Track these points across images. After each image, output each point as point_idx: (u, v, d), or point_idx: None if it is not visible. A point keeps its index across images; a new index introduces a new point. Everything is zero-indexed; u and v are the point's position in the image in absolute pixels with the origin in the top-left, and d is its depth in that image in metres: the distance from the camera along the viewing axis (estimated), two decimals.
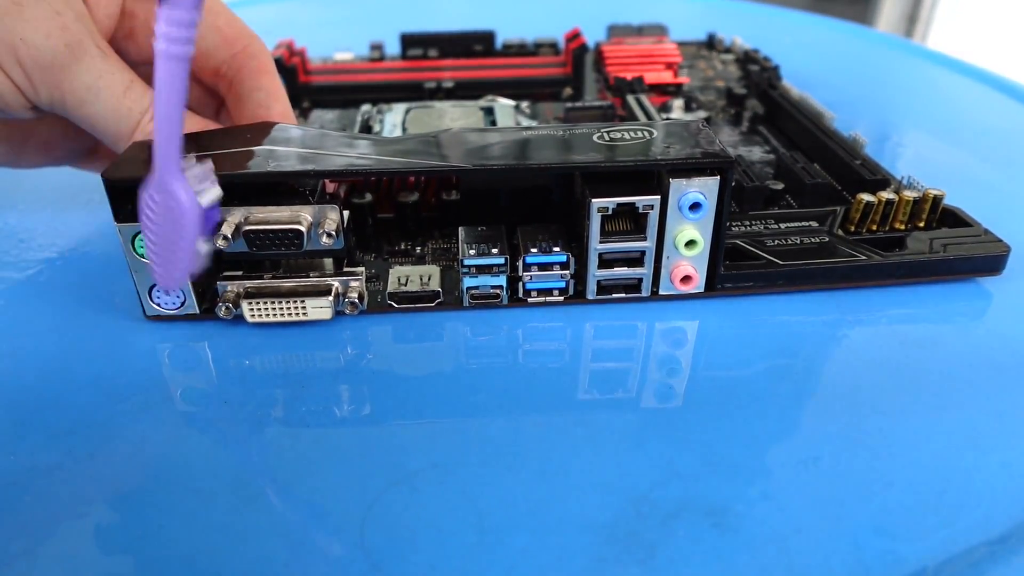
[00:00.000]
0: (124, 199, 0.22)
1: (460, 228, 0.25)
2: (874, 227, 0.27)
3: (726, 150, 0.23)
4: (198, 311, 0.24)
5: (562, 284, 0.25)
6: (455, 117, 0.34)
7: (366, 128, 0.34)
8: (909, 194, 0.26)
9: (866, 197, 0.26)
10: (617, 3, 0.60)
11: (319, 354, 0.23)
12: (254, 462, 0.19)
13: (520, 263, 0.24)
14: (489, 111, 0.35)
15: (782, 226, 0.27)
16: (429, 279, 0.25)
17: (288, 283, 0.24)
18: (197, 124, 0.25)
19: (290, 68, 0.39)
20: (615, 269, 0.24)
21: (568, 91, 0.40)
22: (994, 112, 0.43)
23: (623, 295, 0.25)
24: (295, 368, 0.23)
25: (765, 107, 0.39)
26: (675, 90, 0.40)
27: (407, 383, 0.22)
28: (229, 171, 0.22)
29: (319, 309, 0.24)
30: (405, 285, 0.25)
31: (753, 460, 0.19)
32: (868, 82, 0.47)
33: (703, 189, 0.23)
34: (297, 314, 0.24)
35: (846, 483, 0.18)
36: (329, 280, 0.24)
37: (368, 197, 0.28)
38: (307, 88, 0.40)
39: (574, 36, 0.42)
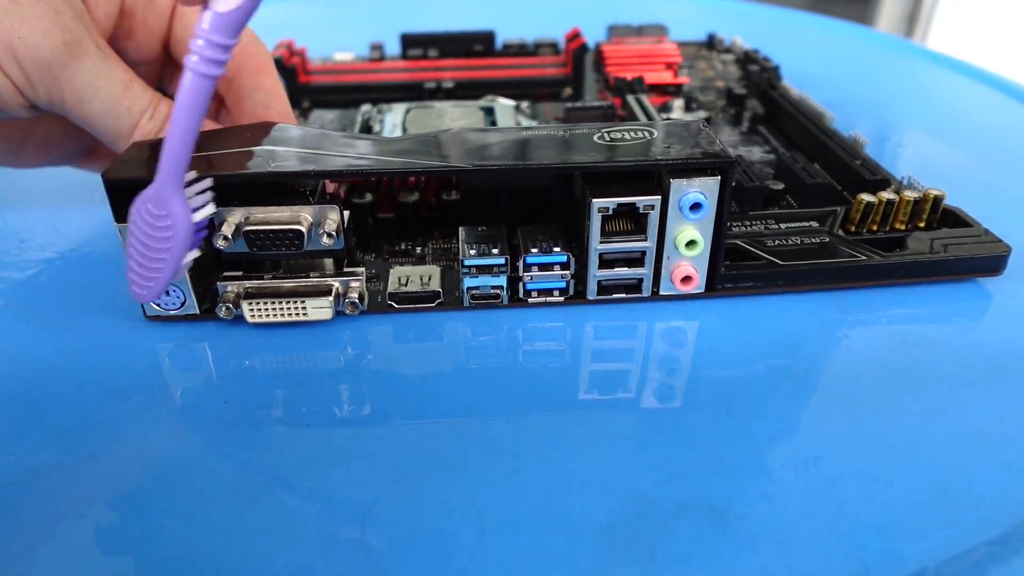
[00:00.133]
0: (124, 199, 0.22)
1: (460, 228, 0.25)
2: (874, 227, 0.27)
3: (726, 150, 0.23)
4: (198, 311, 0.24)
5: (562, 284, 0.25)
6: (455, 117, 0.34)
7: (366, 128, 0.34)
8: (909, 194, 0.26)
9: (866, 197, 0.26)
10: (617, 3, 0.60)
11: (319, 354, 0.23)
12: (254, 462, 0.19)
13: (520, 263, 0.24)
14: (489, 111, 0.35)
15: (782, 226, 0.27)
16: (429, 279, 0.25)
17: (288, 283, 0.24)
18: None
19: (290, 68, 0.39)
20: (615, 269, 0.24)
21: (568, 91, 0.40)
22: (994, 112, 0.43)
23: (623, 295, 0.25)
24: (295, 368, 0.23)
25: (765, 107, 0.39)
26: (675, 90, 0.40)
27: (407, 383, 0.22)
28: (229, 171, 0.22)
29: (319, 309, 0.24)
30: (405, 285, 0.25)
31: (753, 460, 0.19)
32: (868, 82, 0.47)
33: (703, 189, 0.23)
34: (297, 314, 0.24)
35: (846, 483, 0.18)
36: (329, 280, 0.24)
37: (368, 197, 0.28)
38: (307, 88, 0.40)
39: (574, 36, 0.42)
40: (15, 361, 0.23)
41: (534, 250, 0.24)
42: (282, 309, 0.24)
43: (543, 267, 0.24)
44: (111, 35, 0.25)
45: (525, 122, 0.35)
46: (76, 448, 0.20)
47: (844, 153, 0.31)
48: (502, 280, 0.24)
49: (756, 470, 0.19)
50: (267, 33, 0.29)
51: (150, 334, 0.24)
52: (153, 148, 0.23)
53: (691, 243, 0.24)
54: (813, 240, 0.26)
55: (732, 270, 0.25)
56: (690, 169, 0.23)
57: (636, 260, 0.24)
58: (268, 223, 0.23)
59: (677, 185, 0.23)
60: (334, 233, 0.23)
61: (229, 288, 0.24)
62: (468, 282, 0.24)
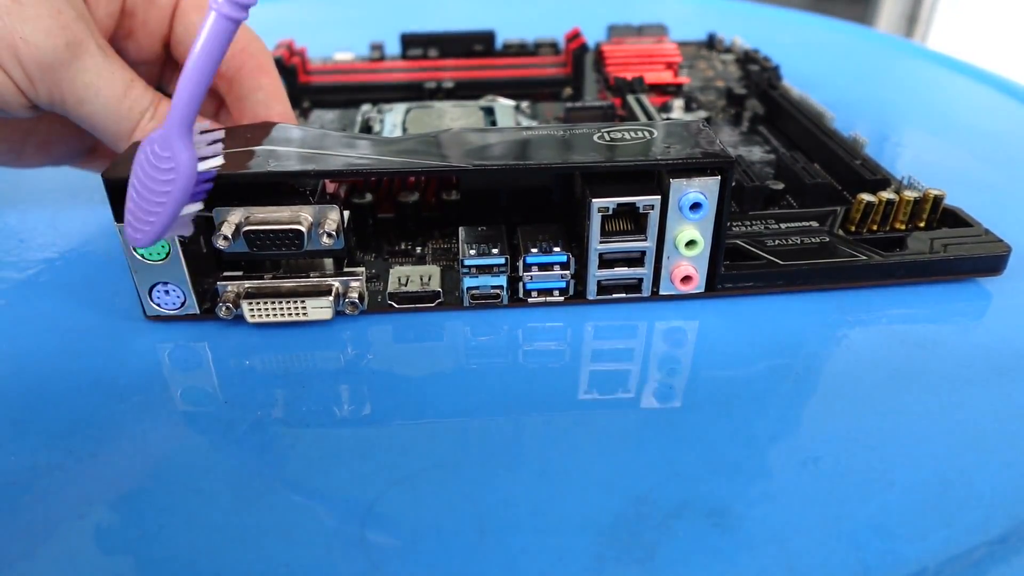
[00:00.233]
0: (124, 199, 0.22)
1: (460, 228, 0.25)
2: (874, 227, 0.27)
3: (726, 150, 0.23)
4: (198, 311, 0.24)
5: (562, 284, 0.25)
6: (455, 117, 0.34)
7: (366, 128, 0.34)
8: (909, 194, 0.26)
9: (866, 197, 0.26)
10: (617, 3, 0.60)
11: (319, 354, 0.23)
12: (254, 462, 0.19)
13: (520, 263, 0.24)
14: (489, 111, 0.35)
15: (782, 226, 0.27)
16: (429, 279, 0.25)
17: (288, 283, 0.24)
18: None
19: (290, 68, 0.39)
20: (615, 269, 0.24)
21: (568, 91, 0.40)
22: (994, 112, 0.43)
23: (623, 295, 0.25)
24: (295, 368, 0.23)
25: (765, 107, 0.39)
26: (675, 90, 0.40)
27: (407, 383, 0.22)
28: (229, 171, 0.22)
29: (319, 309, 0.24)
30: (405, 285, 0.25)
31: (753, 460, 0.19)
32: (868, 82, 0.47)
33: (703, 189, 0.23)
34: (297, 314, 0.24)
35: (846, 483, 0.18)
36: (329, 280, 0.24)
37: (368, 197, 0.28)
38: (307, 88, 0.40)
39: (574, 36, 0.42)
40: (15, 361, 0.23)
41: (534, 250, 0.24)
42: (282, 309, 0.24)
43: (543, 267, 0.24)
44: (112, 35, 0.25)
45: (525, 122, 0.35)
46: (76, 448, 0.20)
47: (844, 153, 0.31)
48: (502, 280, 0.24)
49: (756, 470, 0.19)
50: (267, 33, 0.29)
51: (150, 334, 0.24)
52: None
53: (691, 243, 0.24)
54: (813, 240, 0.26)
55: (732, 270, 0.25)
56: (690, 169, 0.23)
57: (636, 260, 0.24)
58: (268, 223, 0.23)
59: (677, 185, 0.23)
60: (334, 233, 0.23)
61: (229, 288, 0.24)
62: (468, 282, 0.24)
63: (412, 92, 0.39)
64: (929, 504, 0.18)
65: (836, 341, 0.24)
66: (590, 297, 0.25)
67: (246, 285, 0.24)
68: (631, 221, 0.24)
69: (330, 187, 0.25)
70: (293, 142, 0.24)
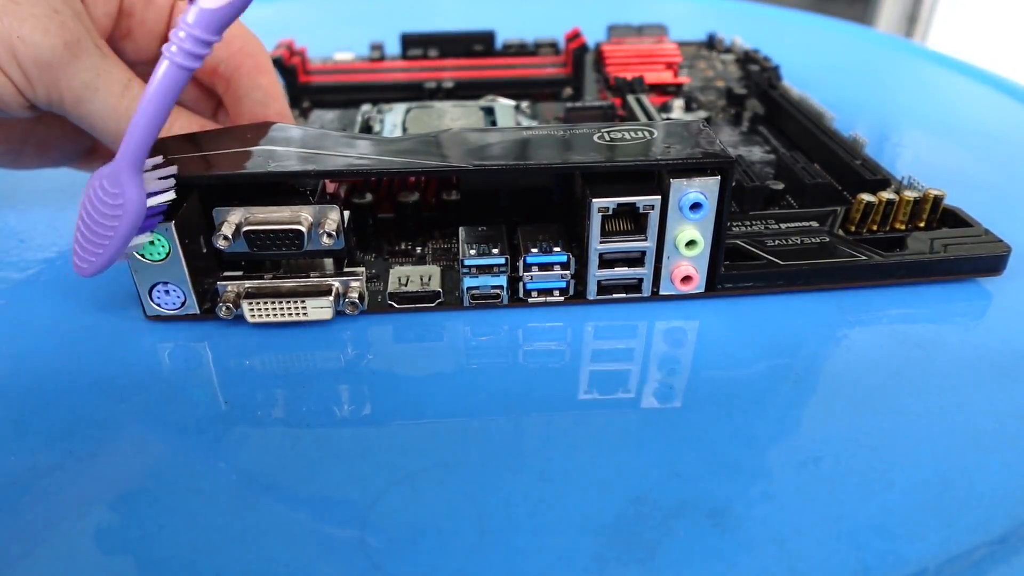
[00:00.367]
0: None
1: (460, 228, 0.25)
2: (874, 227, 0.27)
3: (726, 150, 0.23)
4: (198, 311, 0.24)
5: (562, 284, 0.25)
6: (455, 117, 0.34)
7: (366, 128, 0.34)
8: (909, 194, 0.26)
9: (866, 197, 0.26)
10: (617, 3, 0.60)
11: (319, 354, 0.23)
12: (254, 462, 0.19)
13: (520, 263, 0.24)
14: (489, 111, 0.35)
15: (782, 226, 0.27)
16: (429, 279, 0.25)
17: (288, 283, 0.24)
18: (196, 124, 0.25)
19: (290, 68, 0.39)
20: (615, 269, 0.24)
21: (568, 91, 0.40)
22: (994, 112, 0.43)
23: (623, 295, 0.25)
24: (295, 368, 0.23)
25: (765, 107, 0.39)
26: (675, 90, 0.40)
27: (407, 383, 0.22)
28: (229, 171, 0.22)
29: (319, 309, 0.24)
30: (405, 285, 0.25)
31: (753, 460, 0.19)
32: (868, 82, 0.47)
33: (703, 189, 0.23)
34: (297, 314, 0.24)
35: (846, 483, 0.18)
36: (329, 280, 0.24)
37: (368, 197, 0.28)
38: (307, 88, 0.40)
39: (574, 36, 0.42)
40: (15, 361, 0.23)
41: (534, 250, 0.24)
42: (282, 309, 0.24)
43: (543, 267, 0.24)
44: (110, 35, 0.25)
45: (525, 122, 0.35)
46: (76, 448, 0.20)
47: (844, 153, 0.31)
48: (502, 280, 0.24)
49: (756, 470, 0.19)
50: (267, 33, 0.29)
51: (150, 334, 0.24)
52: (152, 148, 0.23)
53: (691, 243, 0.24)
54: (813, 240, 0.26)
55: (732, 270, 0.25)
56: (690, 169, 0.23)
57: (636, 260, 0.24)
58: (268, 223, 0.23)
59: (677, 185, 0.23)
60: (334, 233, 0.23)
61: (229, 288, 0.24)
62: (468, 282, 0.24)
63: (412, 92, 0.39)
64: (929, 504, 0.18)
65: (836, 341, 0.24)
66: (590, 297, 0.25)
67: (246, 285, 0.24)
68: (631, 221, 0.24)
69: (330, 187, 0.25)
70: (293, 142, 0.24)
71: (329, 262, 0.25)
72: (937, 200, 0.27)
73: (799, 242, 0.26)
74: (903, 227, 0.27)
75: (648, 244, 0.24)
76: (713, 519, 0.17)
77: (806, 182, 0.29)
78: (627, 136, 0.24)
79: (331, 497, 0.18)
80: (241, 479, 0.19)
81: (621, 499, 0.18)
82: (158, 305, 0.24)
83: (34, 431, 0.20)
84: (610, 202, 0.23)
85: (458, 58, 0.43)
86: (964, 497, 0.18)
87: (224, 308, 0.23)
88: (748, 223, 0.27)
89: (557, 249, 0.24)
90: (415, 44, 0.45)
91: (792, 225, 0.27)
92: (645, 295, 0.25)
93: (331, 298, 0.24)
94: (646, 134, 0.24)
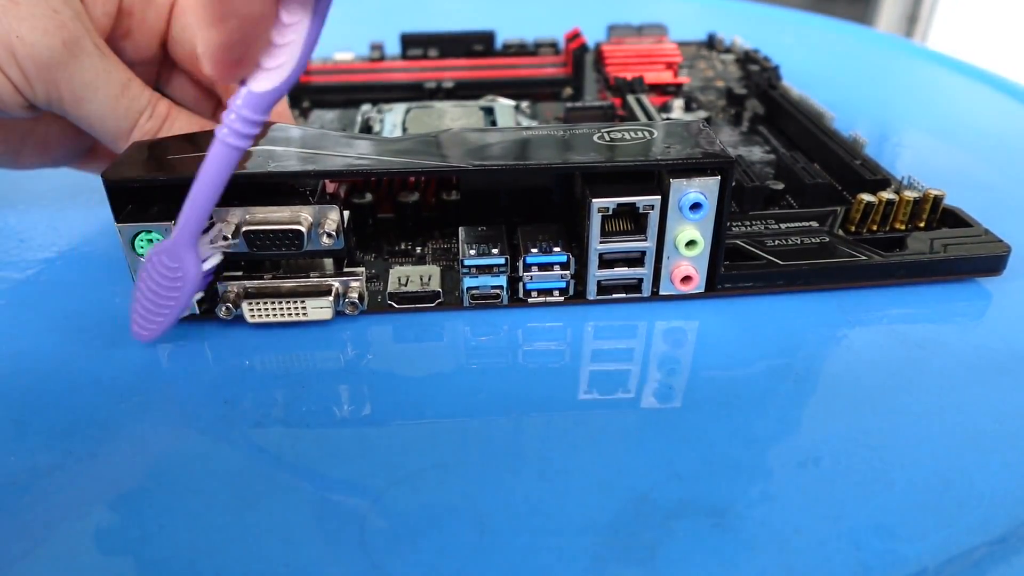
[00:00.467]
0: (124, 199, 0.22)
1: (460, 228, 0.25)
2: (874, 227, 0.27)
3: (726, 150, 0.23)
4: (198, 311, 0.24)
5: (562, 284, 0.25)
6: (455, 117, 0.34)
7: (366, 128, 0.34)
8: (909, 194, 0.26)
9: (866, 197, 0.26)
10: (617, 3, 0.61)
11: (319, 354, 0.23)
12: (254, 462, 0.19)
13: (520, 263, 0.24)
14: (489, 111, 0.35)
15: (782, 226, 0.27)
16: (429, 279, 0.25)
17: (288, 283, 0.24)
18: (196, 124, 0.25)
19: None
20: (615, 269, 0.24)
21: (568, 91, 0.40)
22: (994, 112, 0.43)
23: (623, 295, 0.25)
24: (295, 368, 0.23)
25: (765, 107, 0.39)
26: (675, 90, 0.40)
27: (407, 383, 0.22)
28: None
29: (319, 309, 0.24)
30: (405, 285, 0.25)
31: (753, 460, 0.19)
32: (868, 82, 0.47)
33: (703, 189, 0.23)
34: (297, 314, 0.24)
35: (846, 483, 0.18)
36: (329, 280, 0.24)
37: (368, 197, 0.28)
38: (307, 88, 0.40)
39: (574, 36, 0.42)
40: (15, 361, 0.23)
41: (534, 250, 0.24)
42: (282, 309, 0.24)
43: (543, 267, 0.24)
44: (109, 35, 0.25)
45: (525, 122, 0.35)
46: (76, 448, 0.20)
47: (844, 153, 0.31)
48: (502, 280, 0.24)
49: (756, 470, 0.19)
50: None
51: None
52: (152, 148, 0.23)
53: (691, 243, 0.24)
54: (813, 240, 0.26)
55: (732, 270, 0.25)
56: (690, 169, 0.23)
57: (636, 260, 0.24)
58: (268, 223, 0.23)
59: (677, 185, 0.23)
60: (334, 233, 0.23)
61: (229, 288, 0.24)
62: (468, 282, 0.24)
63: (412, 92, 0.39)
64: (929, 504, 0.18)
65: (836, 341, 0.24)
66: (590, 297, 0.25)
67: (246, 285, 0.24)
68: (631, 221, 0.24)
69: (330, 187, 0.25)
70: (293, 142, 0.24)
71: (329, 262, 0.25)
72: (937, 200, 0.27)
73: (799, 242, 0.26)
74: (903, 227, 0.27)
75: (648, 244, 0.24)
76: (713, 519, 0.17)
77: (806, 182, 0.29)
78: (627, 136, 0.24)
79: (331, 497, 0.18)
80: (241, 479, 0.19)
81: (621, 499, 0.18)
82: None
83: (34, 431, 0.20)
84: (610, 202, 0.23)
85: (458, 58, 0.43)
86: (964, 497, 0.18)
87: (224, 308, 0.23)
88: (748, 223, 0.27)
89: (557, 249, 0.24)
90: (415, 44, 0.45)
91: (792, 225, 0.27)
92: (645, 295, 0.25)
93: (331, 298, 0.24)
94: (646, 134, 0.24)
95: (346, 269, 0.24)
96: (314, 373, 0.22)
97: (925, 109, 0.44)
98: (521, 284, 0.25)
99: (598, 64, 0.44)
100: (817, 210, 0.28)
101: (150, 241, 0.22)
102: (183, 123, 0.25)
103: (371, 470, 0.19)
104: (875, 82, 0.48)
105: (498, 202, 0.28)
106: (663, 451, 0.19)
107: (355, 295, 0.24)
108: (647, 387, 0.22)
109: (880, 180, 0.29)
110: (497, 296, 0.25)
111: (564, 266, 0.24)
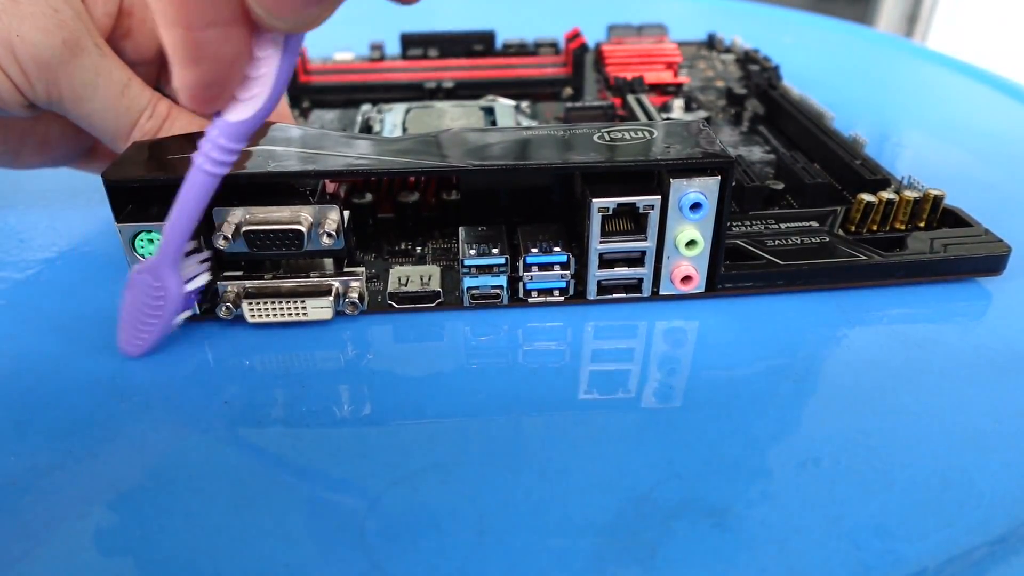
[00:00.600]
0: (124, 199, 0.22)
1: (460, 228, 0.25)
2: (874, 227, 0.27)
3: (726, 150, 0.23)
4: (198, 311, 0.24)
5: (562, 284, 0.25)
6: (455, 117, 0.34)
7: (366, 128, 0.34)
8: (909, 194, 0.26)
9: (866, 197, 0.26)
10: (617, 3, 0.61)
11: (319, 354, 0.23)
12: (254, 462, 0.19)
13: (520, 263, 0.24)
14: (489, 111, 0.35)
15: (782, 226, 0.27)
16: (429, 279, 0.25)
17: (288, 283, 0.24)
18: (196, 124, 0.25)
19: None
20: (615, 269, 0.24)
21: (568, 91, 0.40)
22: (994, 112, 0.43)
23: (623, 295, 0.25)
24: (295, 368, 0.23)
25: (765, 107, 0.39)
26: (675, 90, 0.40)
27: (407, 383, 0.22)
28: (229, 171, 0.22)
29: (319, 309, 0.24)
30: (405, 285, 0.25)
31: (753, 460, 0.19)
32: (868, 82, 0.47)
33: (703, 189, 0.23)
34: (297, 314, 0.24)
35: (846, 483, 0.18)
36: (329, 280, 0.24)
37: (368, 197, 0.28)
38: (307, 88, 0.40)
39: (574, 36, 0.42)
40: (15, 361, 0.23)
41: (534, 250, 0.24)
42: (282, 309, 0.24)
43: (543, 267, 0.24)
44: (110, 34, 0.25)
45: (525, 122, 0.35)
46: (76, 448, 0.20)
47: (844, 153, 0.31)
48: (502, 280, 0.24)
49: (756, 470, 0.19)
50: None
51: None
52: (152, 148, 0.23)
53: (691, 243, 0.24)
54: (813, 240, 0.26)
55: (732, 270, 0.25)
56: (690, 169, 0.23)
57: (636, 260, 0.24)
58: (268, 223, 0.23)
59: (677, 185, 0.23)
60: (334, 233, 0.23)
61: (229, 288, 0.24)
62: (468, 282, 0.24)
63: (412, 92, 0.39)
64: (929, 504, 0.18)
65: (836, 341, 0.24)
66: (590, 297, 0.25)
67: (246, 285, 0.24)
68: (631, 221, 0.24)
69: (330, 187, 0.25)
70: (292, 142, 0.24)
71: (329, 262, 0.25)
72: (937, 200, 0.27)
73: (799, 242, 0.26)
74: (903, 227, 0.27)
75: (648, 244, 0.24)
76: (713, 519, 0.17)
77: (806, 182, 0.29)
78: (627, 136, 0.24)
79: (331, 497, 0.18)
80: (241, 479, 0.19)
81: (621, 499, 0.18)
82: None
83: (34, 431, 0.20)
84: (610, 202, 0.23)
85: (458, 58, 0.43)
86: (964, 497, 0.18)
87: (224, 308, 0.23)
88: (748, 223, 0.27)
89: (557, 249, 0.24)
90: (415, 44, 0.45)
91: (792, 225, 0.27)
92: (645, 295, 0.25)
93: (331, 298, 0.24)
94: (646, 134, 0.24)
95: (346, 269, 0.24)
96: (314, 373, 0.22)
97: (925, 109, 0.44)
98: (521, 284, 0.25)
99: (598, 64, 0.44)
100: (817, 210, 0.28)
101: (151, 241, 0.22)
102: (183, 123, 0.25)
103: (371, 470, 0.19)
104: (875, 82, 0.48)
105: (498, 202, 0.28)
106: (663, 451, 0.19)
107: (355, 295, 0.24)
108: (647, 387, 0.22)
109: (880, 180, 0.29)
110: (497, 296, 0.25)
111: (564, 266, 0.24)
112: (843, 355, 0.23)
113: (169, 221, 0.20)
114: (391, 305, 0.25)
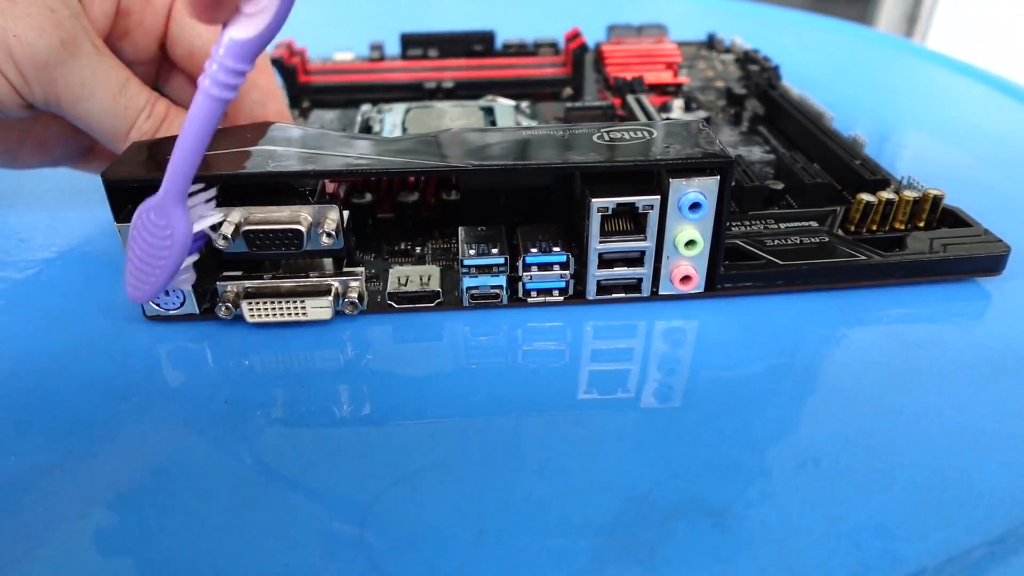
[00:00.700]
0: (124, 199, 0.22)
1: (460, 228, 0.25)
2: (874, 227, 0.27)
3: (726, 150, 0.23)
4: (198, 311, 0.24)
5: (562, 284, 0.25)
6: (455, 117, 0.34)
7: (366, 128, 0.34)
8: (909, 194, 0.26)
9: (866, 197, 0.26)
10: (617, 3, 0.61)
11: (319, 354, 0.23)
12: (254, 462, 0.19)
13: (520, 263, 0.24)
14: (489, 111, 0.35)
15: (782, 226, 0.27)
16: (429, 279, 0.25)
17: (288, 283, 0.24)
18: None
19: (290, 68, 0.39)
20: (615, 269, 0.24)
21: (568, 91, 0.40)
22: (994, 112, 0.43)
23: (623, 295, 0.25)
24: (295, 368, 0.23)
25: (765, 107, 0.39)
26: (675, 90, 0.40)
27: (407, 383, 0.22)
28: (228, 171, 0.22)
29: (319, 309, 0.24)
30: (405, 285, 0.25)
31: (753, 460, 0.19)
32: (868, 82, 0.47)
33: (703, 189, 0.23)
34: (297, 314, 0.24)
35: (846, 483, 0.18)
36: (329, 280, 0.24)
37: (368, 197, 0.28)
38: (307, 88, 0.40)
39: (574, 36, 0.42)
40: (15, 361, 0.23)
41: (534, 250, 0.24)
42: (282, 309, 0.24)
43: (543, 267, 0.24)
44: (107, 34, 0.25)
45: (525, 122, 0.35)
46: (76, 448, 0.20)
47: (844, 153, 0.31)
48: (502, 280, 0.24)
49: (755, 470, 0.19)
50: None
51: (150, 334, 0.24)
52: (152, 148, 0.23)
53: (691, 243, 0.24)
54: (813, 240, 0.26)
55: (732, 270, 0.25)
56: (690, 169, 0.23)
57: (635, 260, 0.24)
58: (268, 223, 0.23)
59: (676, 185, 0.23)
60: (334, 233, 0.23)
61: (229, 288, 0.24)
62: (468, 282, 0.24)
63: (412, 92, 0.39)
64: (929, 504, 0.18)
65: (836, 341, 0.24)
66: (590, 297, 0.25)
67: (246, 285, 0.24)
68: (631, 221, 0.24)
69: (330, 187, 0.25)
70: (292, 142, 0.24)
71: (328, 262, 0.25)
72: (937, 200, 0.27)
73: (799, 242, 0.26)
74: (903, 227, 0.27)
75: (647, 244, 0.24)
76: (713, 519, 0.17)
77: (806, 182, 0.29)
78: (627, 136, 0.24)
79: (331, 497, 0.18)
80: (241, 479, 0.19)
81: (621, 499, 0.18)
82: (158, 305, 0.24)
83: (34, 431, 0.20)
84: (609, 202, 0.23)
85: (458, 58, 0.43)
86: (964, 497, 0.18)
87: (224, 308, 0.23)
88: (748, 223, 0.27)
89: (556, 249, 0.24)
90: (415, 44, 0.45)
91: (792, 225, 0.27)
92: (644, 295, 0.25)
93: (330, 298, 0.24)
94: (646, 134, 0.24)
95: (346, 269, 0.24)
96: (314, 373, 0.22)
97: (925, 109, 0.44)
98: (521, 284, 0.25)
99: (598, 64, 0.44)
100: (817, 210, 0.28)
101: None
102: (182, 123, 0.25)
103: (370, 470, 0.19)
104: (875, 82, 0.48)
105: (498, 202, 0.28)
106: (662, 451, 0.19)
107: (355, 295, 0.24)
108: (647, 387, 0.22)
109: (880, 180, 0.29)
110: (497, 296, 0.25)
111: (564, 266, 0.24)
112: (843, 355, 0.23)
113: (174, 152, 0.19)
114: (391, 305, 0.25)
